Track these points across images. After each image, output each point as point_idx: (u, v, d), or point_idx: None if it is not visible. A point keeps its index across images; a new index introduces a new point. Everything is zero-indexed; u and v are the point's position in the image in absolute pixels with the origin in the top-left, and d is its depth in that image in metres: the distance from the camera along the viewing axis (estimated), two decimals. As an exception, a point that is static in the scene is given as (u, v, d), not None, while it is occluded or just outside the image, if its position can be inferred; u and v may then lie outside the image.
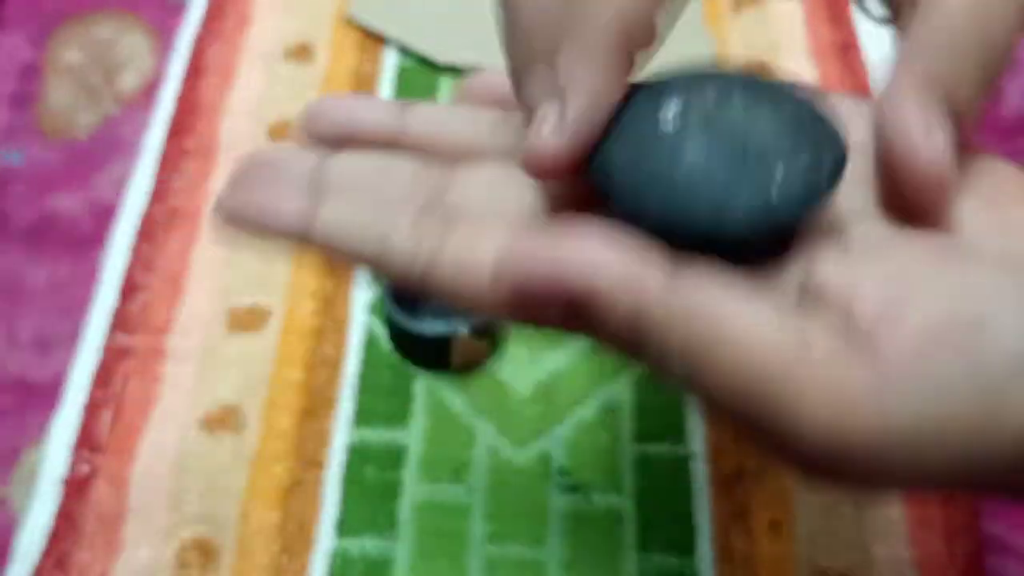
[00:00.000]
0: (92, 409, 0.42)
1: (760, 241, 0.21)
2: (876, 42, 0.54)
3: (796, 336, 0.20)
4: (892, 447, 0.19)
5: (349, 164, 0.25)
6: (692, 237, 0.21)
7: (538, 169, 0.22)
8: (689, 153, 0.21)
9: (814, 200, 0.21)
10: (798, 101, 0.22)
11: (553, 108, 0.22)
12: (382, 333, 0.44)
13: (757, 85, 0.23)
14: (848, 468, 0.20)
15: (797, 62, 0.53)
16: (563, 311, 0.20)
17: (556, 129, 0.22)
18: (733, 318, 0.20)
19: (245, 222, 0.25)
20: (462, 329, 0.41)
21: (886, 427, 0.19)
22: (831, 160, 0.21)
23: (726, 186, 0.21)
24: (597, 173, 0.22)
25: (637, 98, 0.23)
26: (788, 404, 0.19)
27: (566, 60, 0.22)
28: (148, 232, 0.47)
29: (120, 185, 0.49)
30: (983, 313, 0.20)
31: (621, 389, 0.42)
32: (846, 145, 0.22)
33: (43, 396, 0.43)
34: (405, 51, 0.54)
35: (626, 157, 0.22)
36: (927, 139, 0.21)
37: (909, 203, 0.22)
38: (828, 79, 0.53)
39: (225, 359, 0.43)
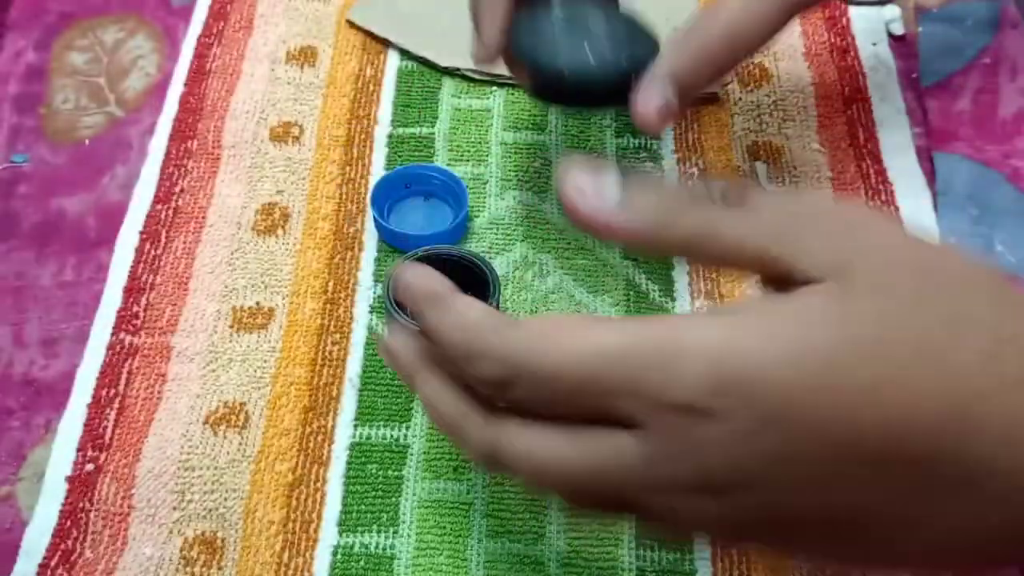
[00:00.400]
0: (98, 408, 0.42)
1: (584, 91, 0.39)
2: (872, 43, 0.55)
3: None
4: None
5: None
6: (551, 83, 0.40)
7: (477, 60, 0.43)
8: (556, 37, 0.40)
9: (621, 69, 0.39)
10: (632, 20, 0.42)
11: (476, 35, 0.42)
12: (383, 332, 0.44)
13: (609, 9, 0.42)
14: None
15: (793, 63, 0.54)
16: None
17: (480, 46, 0.42)
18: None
19: None
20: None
21: None
22: (636, 54, 0.39)
23: (570, 53, 0.39)
24: (511, 52, 0.41)
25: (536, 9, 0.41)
26: None
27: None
28: (153, 233, 0.48)
29: (126, 186, 0.50)
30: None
31: (620, 388, 0.43)
32: (654, 49, 0.40)
33: (49, 395, 0.43)
34: (407, 54, 0.55)
35: (525, 41, 0.41)
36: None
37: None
38: (824, 81, 0.53)
39: (229, 358, 0.44)
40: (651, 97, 0.38)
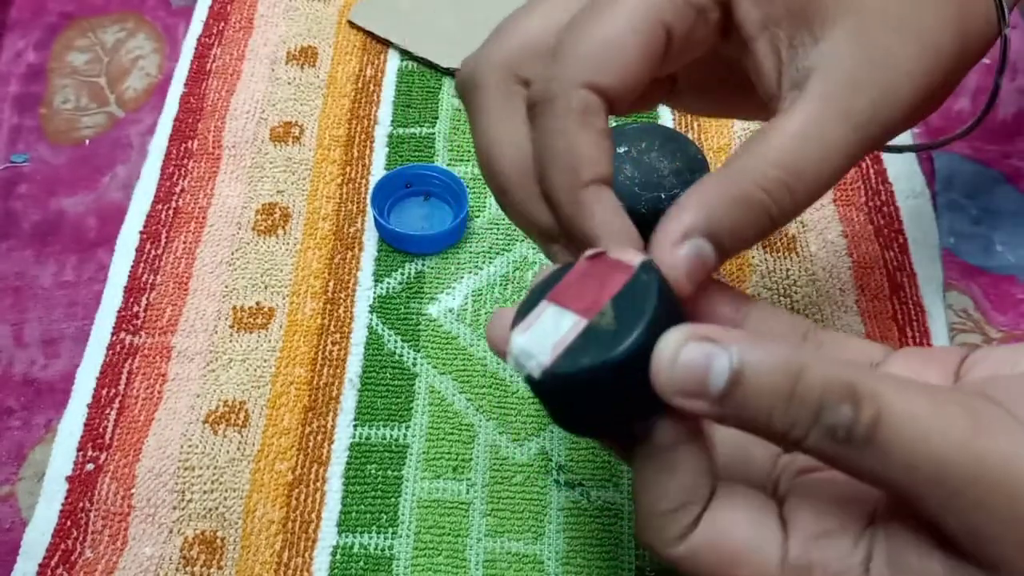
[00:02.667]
0: (98, 407, 0.42)
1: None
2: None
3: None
4: None
5: None
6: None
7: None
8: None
9: None
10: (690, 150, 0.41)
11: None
12: (383, 332, 0.44)
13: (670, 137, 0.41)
14: None
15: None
16: None
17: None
18: None
19: None
20: None
21: None
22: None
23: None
24: None
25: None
26: None
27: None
28: (154, 233, 0.48)
29: (126, 186, 0.50)
30: None
31: (620, 387, 0.43)
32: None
33: (49, 395, 0.43)
34: (407, 54, 0.55)
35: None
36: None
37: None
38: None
39: (230, 358, 0.44)
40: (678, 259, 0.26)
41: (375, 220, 0.47)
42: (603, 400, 0.24)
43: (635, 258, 0.25)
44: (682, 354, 0.23)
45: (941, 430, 0.22)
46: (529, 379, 0.25)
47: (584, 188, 0.27)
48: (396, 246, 0.47)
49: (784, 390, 0.23)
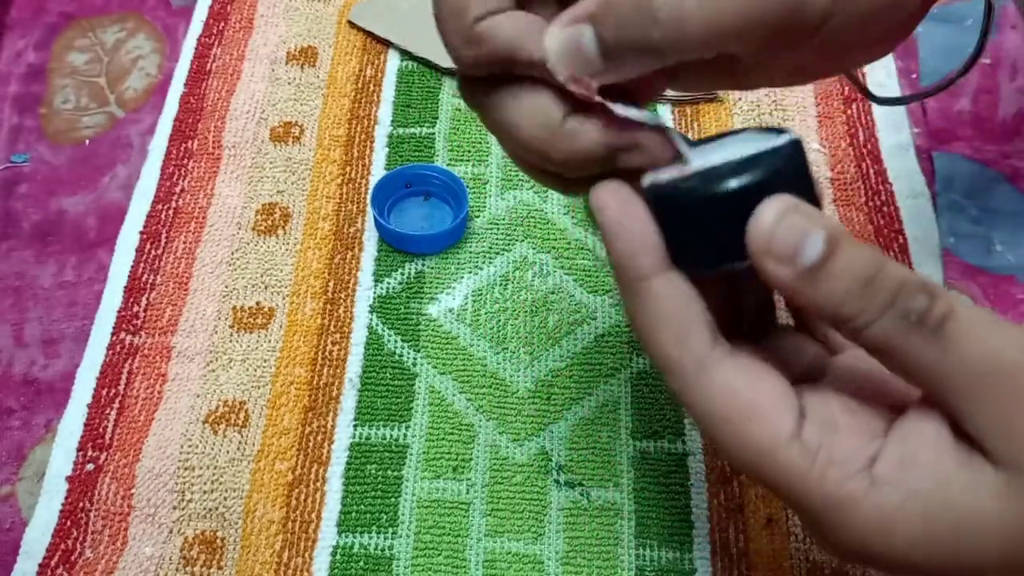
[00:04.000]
0: (98, 407, 0.42)
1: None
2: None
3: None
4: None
5: None
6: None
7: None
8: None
9: None
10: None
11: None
12: (383, 332, 0.44)
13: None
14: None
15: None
16: None
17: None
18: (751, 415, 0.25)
19: None
20: None
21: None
22: None
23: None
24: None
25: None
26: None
27: None
28: (153, 233, 0.48)
29: (126, 186, 0.50)
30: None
31: (619, 387, 0.43)
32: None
33: (50, 395, 0.43)
34: (407, 55, 0.55)
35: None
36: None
37: None
38: (823, 80, 0.53)
39: (230, 358, 0.44)
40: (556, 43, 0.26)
41: (375, 220, 0.47)
42: (705, 226, 0.26)
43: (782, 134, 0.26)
44: (784, 220, 0.24)
45: (1001, 334, 0.24)
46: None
47: (473, 25, 0.26)
48: (396, 246, 0.47)
49: (866, 275, 0.24)
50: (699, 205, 0.25)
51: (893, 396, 0.27)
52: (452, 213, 0.48)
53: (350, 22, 0.56)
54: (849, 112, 0.52)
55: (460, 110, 0.52)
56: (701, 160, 0.26)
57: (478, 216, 0.48)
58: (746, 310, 0.30)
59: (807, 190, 0.26)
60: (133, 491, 0.40)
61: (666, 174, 0.26)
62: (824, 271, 0.24)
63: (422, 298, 0.46)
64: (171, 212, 0.48)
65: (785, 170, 0.25)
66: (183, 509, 0.40)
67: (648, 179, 0.27)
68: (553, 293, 0.46)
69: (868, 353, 0.25)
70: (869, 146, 0.50)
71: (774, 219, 0.24)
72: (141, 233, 0.48)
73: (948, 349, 0.24)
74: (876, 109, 0.51)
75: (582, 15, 0.25)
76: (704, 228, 0.26)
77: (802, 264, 0.24)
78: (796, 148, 0.26)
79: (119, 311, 0.45)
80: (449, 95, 0.53)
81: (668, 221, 0.26)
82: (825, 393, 0.27)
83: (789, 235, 0.24)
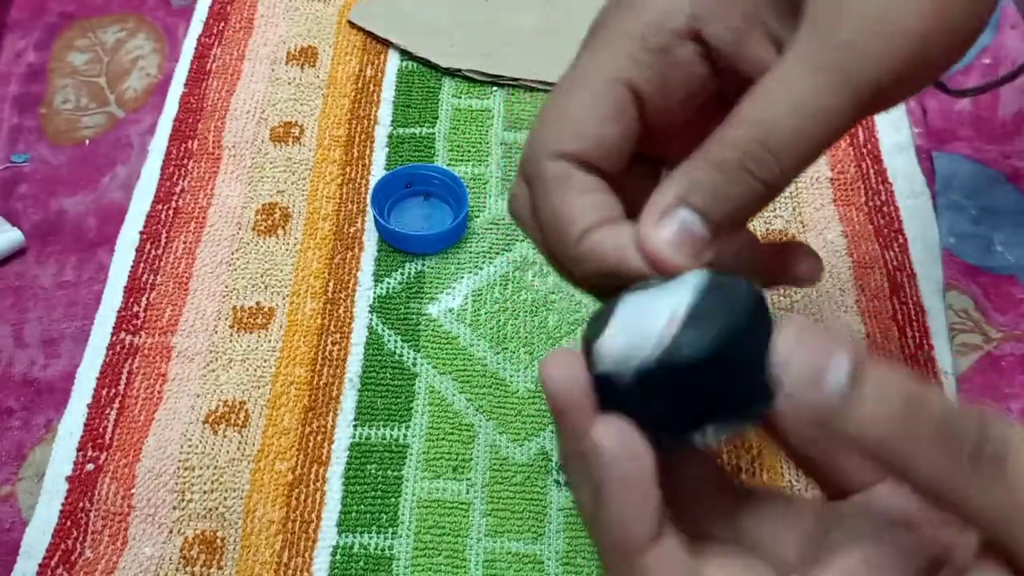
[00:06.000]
0: (98, 408, 0.42)
1: None
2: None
3: None
4: None
5: None
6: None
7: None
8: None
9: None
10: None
11: None
12: (383, 332, 0.44)
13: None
14: None
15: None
16: None
17: None
18: None
19: None
20: None
21: None
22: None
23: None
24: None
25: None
26: None
27: None
28: (153, 233, 0.48)
29: (126, 186, 0.50)
30: None
31: (620, 387, 0.43)
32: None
33: (50, 395, 0.43)
34: (407, 55, 0.55)
35: None
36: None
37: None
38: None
39: (230, 358, 0.44)
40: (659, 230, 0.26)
41: (375, 220, 0.47)
42: (721, 385, 0.22)
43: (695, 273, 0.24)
44: (802, 344, 0.21)
45: None
46: (632, 380, 0.22)
47: (578, 243, 0.26)
48: (396, 246, 0.47)
49: (906, 399, 0.21)
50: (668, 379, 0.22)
51: (934, 542, 0.23)
52: (452, 213, 0.48)
53: (350, 22, 0.56)
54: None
55: (460, 110, 0.53)
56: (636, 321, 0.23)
57: (478, 216, 0.48)
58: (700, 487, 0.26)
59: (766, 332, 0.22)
60: (133, 491, 0.40)
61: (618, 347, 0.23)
62: (858, 397, 0.21)
63: (422, 298, 0.46)
64: (171, 212, 0.48)
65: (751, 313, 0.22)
66: (183, 509, 0.40)
67: (611, 359, 0.23)
68: (553, 293, 0.46)
69: (914, 493, 0.21)
70: (869, 146, 0.50)
71: (790, 346, 0.21)
72: (141, 233, 0.48)
73: (1013, 488, 0.20)
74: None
75: (672, 201, 0.25)
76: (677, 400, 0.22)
77: (834, 391, 0.21)
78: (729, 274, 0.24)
79: (119, 311, 0.45)
80: (449, 95, 0.53)
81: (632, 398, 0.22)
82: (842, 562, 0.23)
83: (810, 363, 0.21)
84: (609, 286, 0.26)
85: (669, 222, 0.25)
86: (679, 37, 0.27)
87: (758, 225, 0.47)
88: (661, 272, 0.25)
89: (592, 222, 0.26)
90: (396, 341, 0.44)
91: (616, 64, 0.27)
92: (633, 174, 0.28)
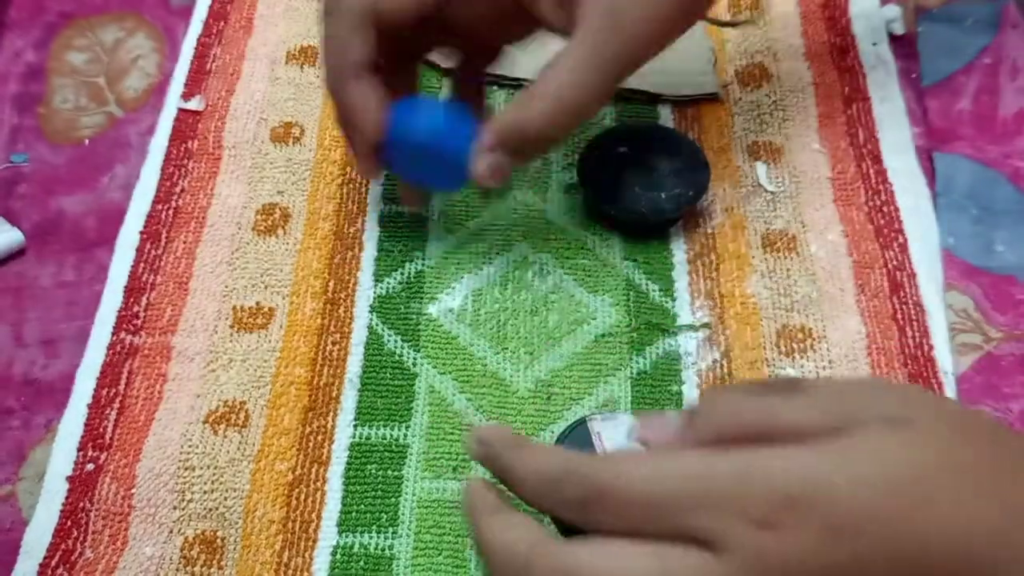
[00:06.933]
0: (98, 407, 0.42)
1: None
2: (872, 43, 0.55)
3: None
4: None
5: None
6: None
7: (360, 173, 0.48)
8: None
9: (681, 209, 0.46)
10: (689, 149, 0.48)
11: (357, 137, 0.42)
12: (383, 332, 0.44)
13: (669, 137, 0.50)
14: None
15: (793, 63, 0.54)
16: None
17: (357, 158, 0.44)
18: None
19: None
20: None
21: None
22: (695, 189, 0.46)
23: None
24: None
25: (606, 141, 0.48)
26: None
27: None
28: (153, 233, 0.48)
29: (126, 186, 0.50)
30: None
31: (619, 387, 0.43)
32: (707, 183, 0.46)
33: (49, 395, 0.43)
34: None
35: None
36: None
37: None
38: (824, 80, 0.53)
39: (230, 358, 0.44)
40: (480, 166, 0.40)
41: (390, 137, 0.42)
42: None
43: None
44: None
45: None
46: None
47: (350, 77, 0.40)
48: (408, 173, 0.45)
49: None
50: None
51: None
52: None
53: (350, 22, 0.56)
54: (849, 112, 0.52)
55: None
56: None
57: (478, 216, 0.48)
58: None
59: None
60: (133, 491, 0.40)
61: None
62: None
63: (422, 298, 0.46)
64: (171, 212, 0.48)
65: None
66: (183, 509, 0.40)
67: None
68: (553, 293, 0.46)
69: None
70: (869, 146, 0.50)
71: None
72: (141, 233, 0.48)
73: (816, 391, 0.27)
74: (876, 109, 0.51)
75: (491, 146, 0.40)
76: None
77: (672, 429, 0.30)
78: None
79: (119, 311, 0.45)
80: (449, 96, 0.53)
81: None
82: None
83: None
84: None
85: (487, 159, 0.40)
86: None
87: (758, 227, 0.47)
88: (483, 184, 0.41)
89: (359, 57, 0.40)
90: (396, 341, 0.44)
91: None
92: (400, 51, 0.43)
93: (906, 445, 0.25)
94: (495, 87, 0.53)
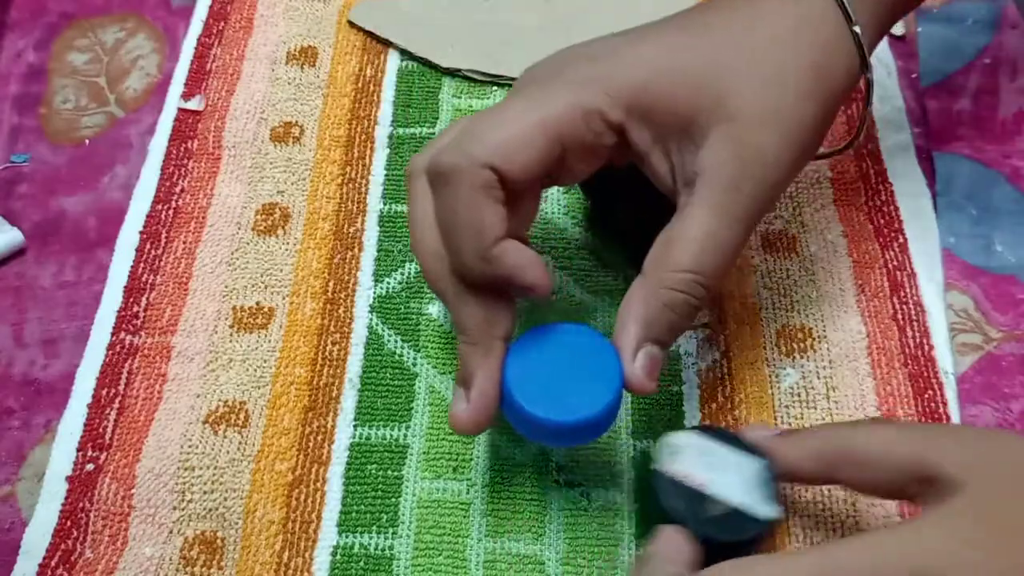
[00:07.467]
0: (98, 408, 0.42)
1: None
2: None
3: None
4: None
5: None
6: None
7: (458, 430, 0.35)
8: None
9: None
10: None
11: (460, 393, 0.35)
12: (383, 332, 0.44)
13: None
14: None
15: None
16: None
17: (464, 408, 0.34)
18: None
19: None
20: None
21: None
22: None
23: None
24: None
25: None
26: None
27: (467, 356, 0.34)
28: (153, 233, 0.48)
29: (126, 186, 0.50)
30: None
31: (620, 387, 0.43)
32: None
33: (49, 395, 0.43)
34: (407, 55, 0.55)
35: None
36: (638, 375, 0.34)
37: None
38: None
39: (230, 358, 0.44)
40: (637, 375, 0.34)
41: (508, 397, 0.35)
42: None
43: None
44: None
45: None
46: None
47: (492, 247, 0.33)
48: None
49: None
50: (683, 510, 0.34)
51: None
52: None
53: (350, 22, 0.56)
54: (849, 112, 0.52)
55: (460, 110, 0.53)
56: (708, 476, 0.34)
57: (478, 216, 0.48)
58: None
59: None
60: (133, 491, 0.40)
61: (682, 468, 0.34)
62: None
63: (422, 298, 0.46)
64: (171, 212, 0.48)
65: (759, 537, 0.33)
66: (183, 509, 0.40)
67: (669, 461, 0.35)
68: (553, 293, 0.46)
69: None
70: (869, 146, 0.50)
71: None
72: (141, 233, 0.48)
73: (896, 425, 0.33)
74: (876, 109, 0.51)
75: (638, 342, 0.35)
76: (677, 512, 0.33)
77: None
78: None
79: (119, 311, 0.45)
80: (449, 95, 0.53)
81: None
82: None
83: None
84: (488, 286, 0.34)
85: (641, 359, 0.34)
86: (609, 127, 0.34)
87: (759, 227, 0.47)
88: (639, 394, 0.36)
89: (501, 232, 0.33)
90: (396, 341, 0.44)
91: (560, 115, 0.33)
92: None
93: (994, 517, 0.29)
94: (495, 87, 0.53)
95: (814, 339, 0.43)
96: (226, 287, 0.46)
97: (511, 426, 0.35)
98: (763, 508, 0.33)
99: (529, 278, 0.33)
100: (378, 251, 0.47)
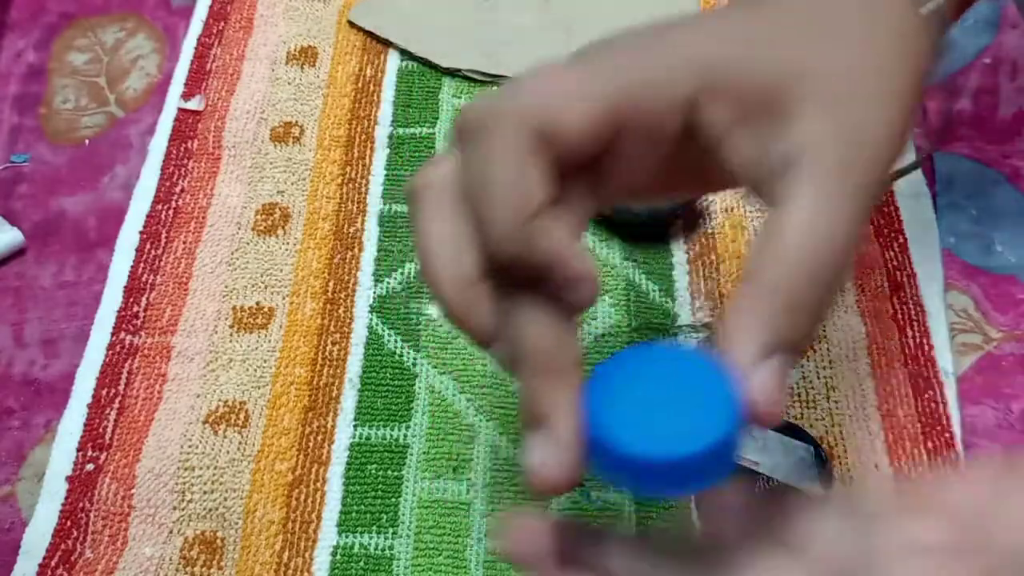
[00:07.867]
0: (98, 408, 0.42)
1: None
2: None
3: None
4: None
5: None
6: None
7: (546, 490, 0.25)
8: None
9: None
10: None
11: (535, 441, 0.25)
12: (383, 332, 0.44)
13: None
14: None
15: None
16: None
17: (546, 459, 0.25)
18: None
19: None
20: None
21: None
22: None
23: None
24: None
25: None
26: None
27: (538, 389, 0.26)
28: (153, 233, 0.48)
29: (126, 186, 0.50)
30: None
31: (620, 387, 0.43)
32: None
33: (50, 395, 0.43)
34: (407, 55, 0.55)
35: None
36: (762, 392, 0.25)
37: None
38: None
39: (230, 358, 0.44)
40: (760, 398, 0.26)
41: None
42: None
43: None
44: None
45: None
46: None
47: (534, 217, 0.25)
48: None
49: None
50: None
51: None
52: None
53: (350, 22, 0.56)
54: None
55: (460, 110, 0.52)
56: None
57: (478, 216, 0.48)
58: None
59: None
60: (133, 491, 0.40)
61: None
62: None
63: (422, 298, 0.46)
64: (171, 212, 0.48)
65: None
66: (183, 509, 0.40)
67: None
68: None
69: None
70: (869, 146, 0.50)
71: None
72: (141, 233, 0.48)
73: None
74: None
75: (761, 350, 0.26)
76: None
77: None
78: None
79: (119, 311, 0.45)
80: (449, 95, 0.53)
81: None
82: None
83: None
84: (508, 277, 0.26)
85: (770, 373, 0.26)
86: (675, 105, 0.28)
87: (758, 227, 0.47)
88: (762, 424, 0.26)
89: (545, 198, 0.25)
90: (396, 341, 0.44)
91: (619, 82, 0.27)
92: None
93: None
94: (495, 87, 0.53)
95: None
96: (226, 287, 0.46)
97: (600, 478, 0.29)
98: (810, 487, 0.35)
99: (575, 268, 0.25)
100: (378, 251, 0.47)
